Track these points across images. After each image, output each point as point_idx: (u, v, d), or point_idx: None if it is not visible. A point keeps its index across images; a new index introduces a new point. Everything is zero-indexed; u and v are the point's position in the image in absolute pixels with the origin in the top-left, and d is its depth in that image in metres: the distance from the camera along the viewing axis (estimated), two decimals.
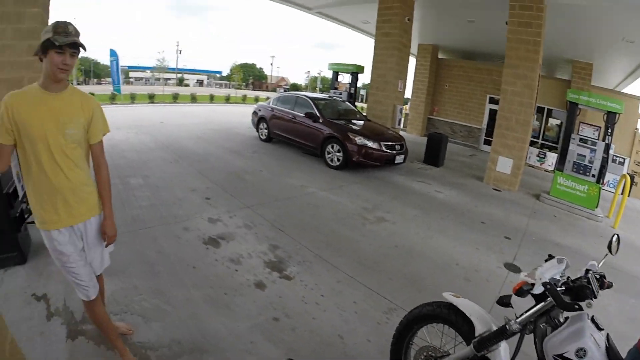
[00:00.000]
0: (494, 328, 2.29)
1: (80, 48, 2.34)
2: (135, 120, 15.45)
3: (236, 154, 10.54)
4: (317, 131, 10.31)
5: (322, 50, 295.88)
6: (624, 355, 2.01)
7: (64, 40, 2.20)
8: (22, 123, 2.28)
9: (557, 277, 2.14)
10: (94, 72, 71.08)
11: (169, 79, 74.42)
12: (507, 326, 2.18)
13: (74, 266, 2.54)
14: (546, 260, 2.25)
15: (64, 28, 2.24)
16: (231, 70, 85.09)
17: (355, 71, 17.71)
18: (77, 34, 2.30)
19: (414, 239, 5.88)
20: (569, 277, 2.14)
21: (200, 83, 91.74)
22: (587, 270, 2.08)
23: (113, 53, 23.83)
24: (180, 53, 70.26)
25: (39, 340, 3.09)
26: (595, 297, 1.95)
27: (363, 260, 5.00)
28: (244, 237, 5.36)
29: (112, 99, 23.01)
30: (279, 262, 4.75)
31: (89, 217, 2.60)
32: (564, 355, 1.96)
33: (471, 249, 5.76)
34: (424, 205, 7.62)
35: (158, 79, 70.60)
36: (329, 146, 9.97)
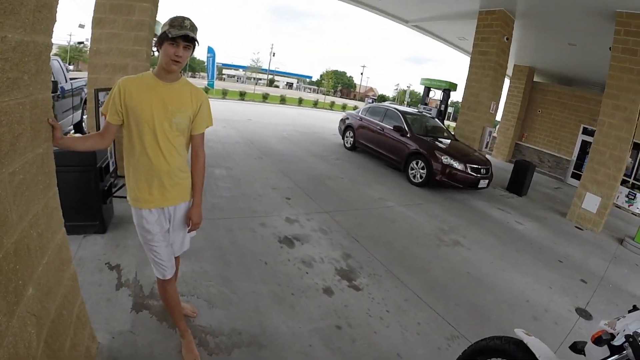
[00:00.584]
0: None
1: (195, 42, 2.47)
2: (225, 114, 16.18)
3: (320, 158, 10.87)
4: (403, 145, 10.44)
5: (413, 64, 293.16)
6: None
7: (177, 32, 2.33)
8: (132, 106, 2.43)
9: (639, 330, 2.04)
10: (189, 65, 74.37)
11: (260, 79, 76.52)
12: None
13: (157, 245, 2.68)
14: (630, 311, 2.20)
15: (179, 22, 2.37)
16: (322, 76, 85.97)
17: (448, 88, 17.63)
18: (192, 28, 2.41)
19: (487, 269, 5.85)
20: None
21: (290, 86, 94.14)
22: None
23: (211, 50, 25.15)
24: (273, 55, 72.17)
25: (105, 306, 3.35)
26: None
27: (433, 283, 5.02)
28: (318, 241, 5.55)
29: (205, 92, 24.14)
30: (349, 271, 4.86)
31: (179, 202, 2.73)
32: None
33: (544, 288, 5.66)
34: (502, 235, 7.54)
35: (250, 78, 73.12)
36: (414, 162, 10.04)
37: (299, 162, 9.91)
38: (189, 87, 2.66)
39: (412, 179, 10.03)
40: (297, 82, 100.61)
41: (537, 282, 5.83)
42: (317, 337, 3.49)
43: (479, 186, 9.82)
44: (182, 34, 2.35)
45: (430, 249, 6.14)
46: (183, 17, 2.41)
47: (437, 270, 5.44)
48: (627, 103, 9.26)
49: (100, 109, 3.20)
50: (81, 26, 58.47)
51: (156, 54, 2.55)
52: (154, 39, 2.63)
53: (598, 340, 2.10)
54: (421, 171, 9.82)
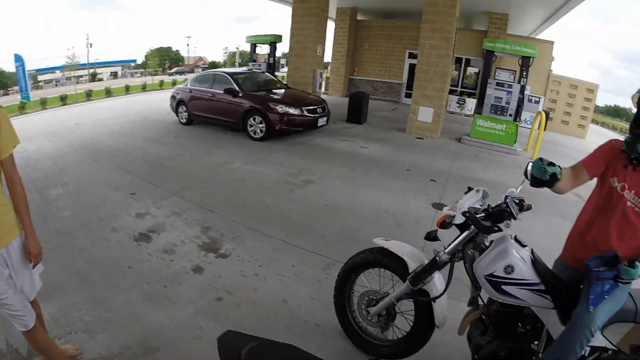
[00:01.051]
0: (426, 262, 2.44)
1: None
2: (48, 126, 14.55)
3: (156, 142, 10.20)
4: (238, 106, 10.11)
5: (241, 24, 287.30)
6: (550, 265, 2.35)
7: None
8: None
9: (477, 205, 2.32)
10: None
11: (81, 76, 69.87)
12: (437, 258, 2.34)
13: (4, 297, 2.29)
14: (466, 193, 2.43)
15: None
16: (146, 56, 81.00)
17: (274, 41, 17.47)
18: None
19: (342, 196, 5.94)
20: (489, 205, 2.30)
21: (114, 75, 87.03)
22: (507, 197, 2.23)
23: (18, 58, 22.28)
24: (90, 46, 66.51)
25: None
26: (515, 219, 2.14)
27: (294, 224, 5.04)
28: (173, 225, 5.22)
29: (22, 108, 21.27)
30: (212, 242, 4.69)
31: (9, 240, 2.32)
32: (493, 274, 2.16)
33: (399, 196, 5.90)
34: (349, 163, 7.72)
35: (69, 78, 66.49)
36: (251, 119, 9.80)
37: (136, 153, 9.18)
38: None
39: (253, 135, 9.81)
40: (122, 70, 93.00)
41: (391, 193, 6.05)
42: (203, 317, 3.37)
43: (319, 124, 10.00)
44: None
45: (284, 194, 6.09)
46: None
47: (295, 212, 5.43)
48: (444, 25, 10.40)
49: None
50: None
51: None
52: None
53: (443, 225, 2.29)
54: (260, 126, 9.64)
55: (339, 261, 3.96)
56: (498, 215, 2.14)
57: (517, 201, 2.26)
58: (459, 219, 2.19)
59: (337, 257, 4.13)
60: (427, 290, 2.43)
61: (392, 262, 2.60)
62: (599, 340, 2.04)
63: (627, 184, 2.07)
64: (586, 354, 2.06)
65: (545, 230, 5.13)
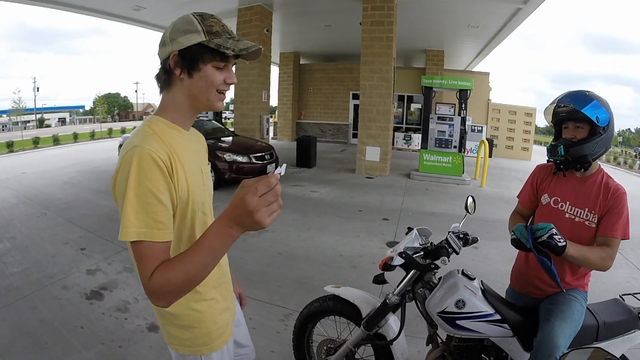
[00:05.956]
0: (378, 306, 2.38)
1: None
2: None
3: (106, 194, 9.89)
4: None
5: None
6: (502, 293, 2.46)
7: (238, 45, 1.27)
8: None
9: (417, 244, 2.30)
10: None
11: (28, 121, 66.88)
12: (387, 300, 2.29)
13: None
14: (406, 234, 2.39)
15: (221, 25, 1.30)
16: (94, 102, 78.92)
17: None
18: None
19: (296, 243, 5.90)
20: (432, 242, 2.34)
21: (62, 121, 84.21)
22: (449, 232, 2.28)
23: None
24: (37, 90, 64.02)
25: None
26: (457, 253, 2.19)
27: (249, 276, 4.91)
28: (126, 281, 4.98)
29: None
30: None
31: None
32: (446, 310, 2.15)
33: (352, 238, 5.91)
34: (301, 208, 7.70)
35: (16, 123, 63.71)
36: None
37: (86, 206, 8.87)
38: None
39: None
40: (70, 116, 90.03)
41: (345, 236, 6.05)
42: None
43: (268, 172, 9.88)
44: (249, 48, 1.29)
45: (238, 245, 5.60)
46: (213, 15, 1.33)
47: (249, 262, 5.31)
48: (382, 65, 10.94)
49: None
50: None
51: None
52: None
53: (386, 267, 2.24)
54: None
55: (297, 310, 3.87)
56: (435, 252, 2.17)
57: (460, 236, 2.33)
58: (398, 261, 2.17)
59: (294, 306, 4.06)
60: (384, 334, 2.40)
61: (345, 309, 2.58)
62: None
63: (559, 196, 2.25)
64: None
65: (502, 256, 5.28)
